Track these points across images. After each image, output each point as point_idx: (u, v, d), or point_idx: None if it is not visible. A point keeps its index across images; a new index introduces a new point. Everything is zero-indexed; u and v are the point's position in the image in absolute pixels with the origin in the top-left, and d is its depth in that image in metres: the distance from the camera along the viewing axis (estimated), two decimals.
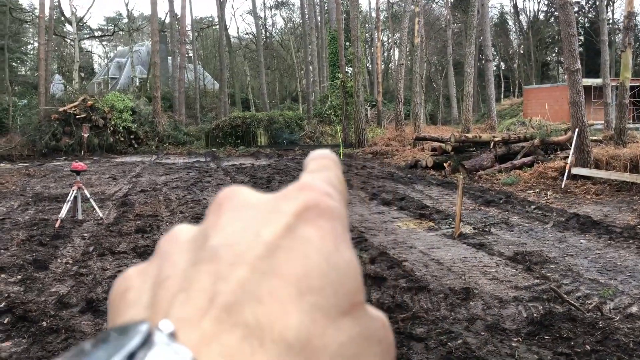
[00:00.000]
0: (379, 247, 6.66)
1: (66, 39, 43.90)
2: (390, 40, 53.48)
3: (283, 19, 68.82)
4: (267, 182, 12.89)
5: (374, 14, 45.02)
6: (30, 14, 44.11)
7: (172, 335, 0.25)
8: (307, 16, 39.17)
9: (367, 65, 46.10)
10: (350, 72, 25.86)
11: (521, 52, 51.78)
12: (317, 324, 0.25)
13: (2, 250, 6.66)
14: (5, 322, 4.45)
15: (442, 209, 9.30)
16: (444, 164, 14.08)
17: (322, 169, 0.33)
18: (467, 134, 16.32)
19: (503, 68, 53.05)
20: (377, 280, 5.33)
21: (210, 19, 57.47)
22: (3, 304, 4.77)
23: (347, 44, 27.27)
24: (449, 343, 3.99)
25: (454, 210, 8.30)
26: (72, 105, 22.83)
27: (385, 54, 52.58)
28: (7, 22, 35.89)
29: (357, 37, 22.58)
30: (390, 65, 54.46)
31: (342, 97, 24.23)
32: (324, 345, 0.25)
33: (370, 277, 5.40)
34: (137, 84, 39.28)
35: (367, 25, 47.14)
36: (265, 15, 56.96)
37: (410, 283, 5.28)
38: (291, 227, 0.28)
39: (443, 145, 15.18)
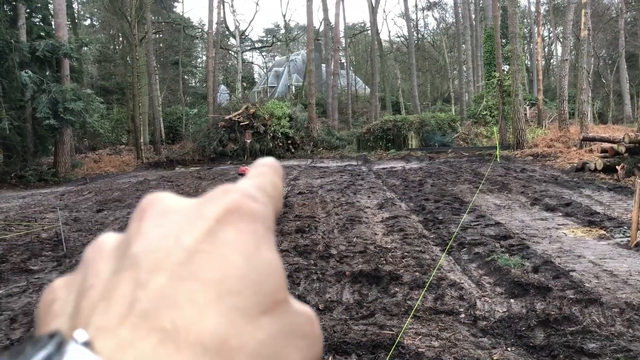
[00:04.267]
0: (543, 256, 6.26)
1: (230, 52, 47.53)
2: (551, 35, 50.03)
3: (435, 19, 67.82)
4: (418, 185, 12.76)
5: (533, 8, 42.59)
6: (200, 30, 48.55)
7: (87, 344, 0.25)
8: (460, 15, 38.14)
9: (526, 62, 43.64)
10: (507, 70, 24.66)
11: None
12: (235, 325, 0.26)
13: None
14: None
15: (614, 216, 8.48)
16: (617, 167, 12.85)
17: (258, 175, 0.34)
18: None
19: None
20: (542, 290, 5.02)
21: (362, 25, 58.45)
22: None
23: (504, 41, 26.09)
24: None
25: (629, 218, 7.53)
26: (236, 113, 24.71)
27: (545, 50, 49.38)
28: (182, 39, 39.83)
29: (516, 34, 21.48)
30: (552, 61, 51.02)
31: (499, 97, 23.20)
32: (241, 344, 0.26)
33: (534, 286, 5.11)
34: (294, 91, 41.26)
35: (525, 20, 44.68)
36: (417, 17, 56.59)
37: (579, 295, 4.90)
38: (212, 231, 0.28)
39: (615, 146, 13.85)
